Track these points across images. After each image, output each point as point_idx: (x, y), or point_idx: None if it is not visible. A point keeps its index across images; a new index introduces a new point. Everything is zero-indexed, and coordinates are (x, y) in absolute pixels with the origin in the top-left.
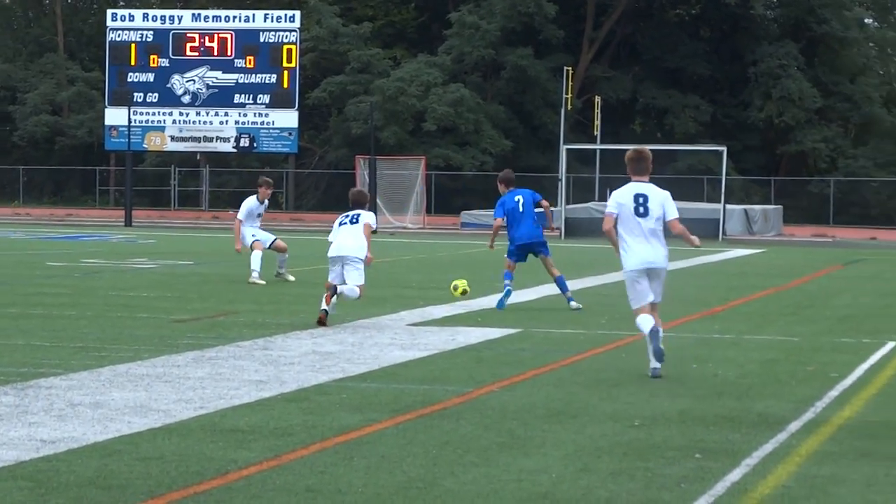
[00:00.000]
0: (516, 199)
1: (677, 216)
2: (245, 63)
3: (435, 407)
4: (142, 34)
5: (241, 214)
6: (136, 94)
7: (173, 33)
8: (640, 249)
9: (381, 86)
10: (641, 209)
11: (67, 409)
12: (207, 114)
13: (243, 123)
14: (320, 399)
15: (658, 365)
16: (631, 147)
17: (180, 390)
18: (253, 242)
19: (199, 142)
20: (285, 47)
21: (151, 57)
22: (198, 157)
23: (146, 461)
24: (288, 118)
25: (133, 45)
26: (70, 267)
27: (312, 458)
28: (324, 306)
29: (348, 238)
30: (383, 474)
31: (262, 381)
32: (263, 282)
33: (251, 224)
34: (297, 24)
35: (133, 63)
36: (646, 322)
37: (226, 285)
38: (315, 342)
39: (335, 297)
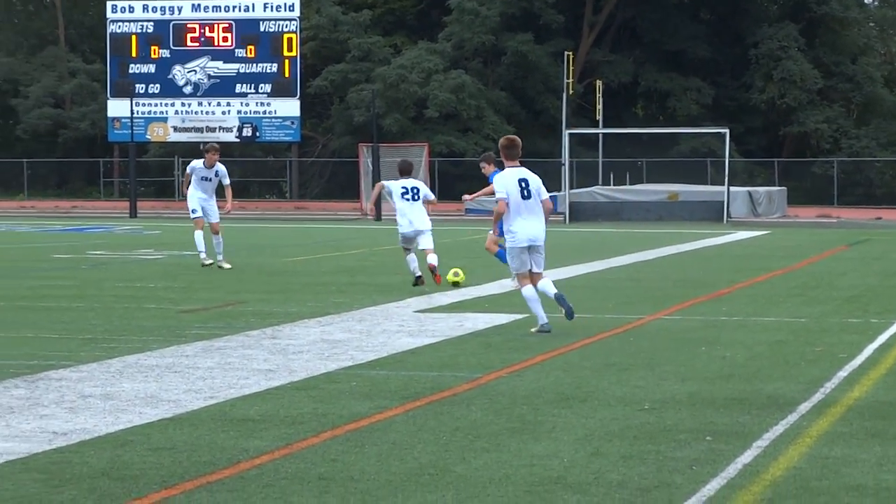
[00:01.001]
0: None
1: (548, 197)
2: (246, 53)
3: (444, 393)
4: (142, 25)
5: (187, 169)
6: (137, 86)
7: (173, 24)
8: (527, 227)
9: (383, 73)
10: (525, 192)
11: (79, 400)
12: (209, 104)
13: (245, 113)
14: (330, 387)
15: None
16: (504, 136)
17: (190, 380)
18: (195, 219)
19: (202, 132)
20: (285, 36)
21: (152, 48)
22: (201, 148)
23: (158, 452)
24: (290, 107)
25: (134, 37)
26: (76, 259)
27: (324, 446)
28: (416, 271)
29: (418, 214)
30: (395, 461)
31: (271, 371)
32: (211, 261)
33: (200, 189)
34: (296, 12)
35: (134, 54)
36: (530, 292)
37: (232, 275)
38: (323, 330)
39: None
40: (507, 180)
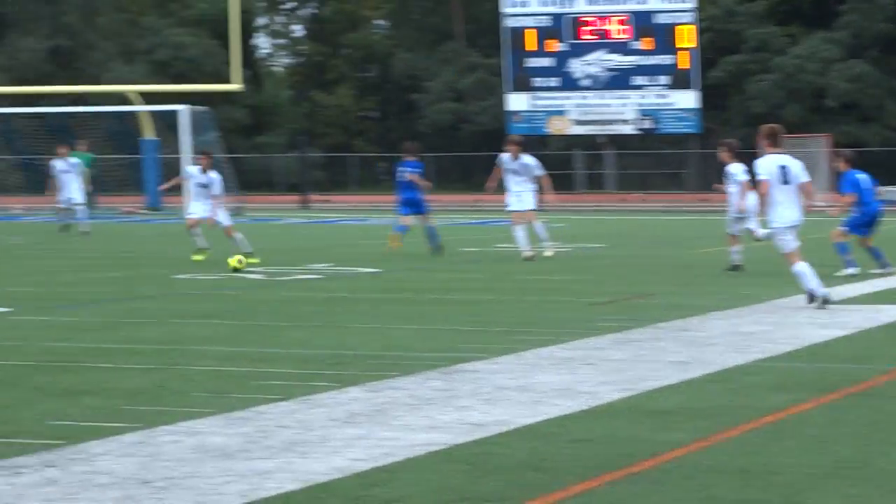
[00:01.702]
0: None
1: (809, 180)
2: (641, 45)
3: (860, 386)
4: (538, 19)
5: (496, 161)
6: (535, 79)
7: (570, 18)
8: (788, 211)
9: (780, 63)
10: (785, 178)
11: (495, 392)
12: (607, 97)
13: (643, 105)
14: (744, 379)
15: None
16: (767, 125)
17: (604, 372)
18: (514, 212)
19: (601, 125)
20: (682, 27)
21: (548, 42)
22: (598, 140)
23: (576, 443)
24: (688, 98)
25: (530, 31)
26: (483, 252)
27: (741, 438)
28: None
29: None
30: (814, 454)
31: (683, 363)
32: (532, 253)
33: (510, 181)
34: (692, 3)
35: (530, 48)
36: (802, 268)
37: (639, 268)
38: (732, 323)
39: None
40: (769, 165)
